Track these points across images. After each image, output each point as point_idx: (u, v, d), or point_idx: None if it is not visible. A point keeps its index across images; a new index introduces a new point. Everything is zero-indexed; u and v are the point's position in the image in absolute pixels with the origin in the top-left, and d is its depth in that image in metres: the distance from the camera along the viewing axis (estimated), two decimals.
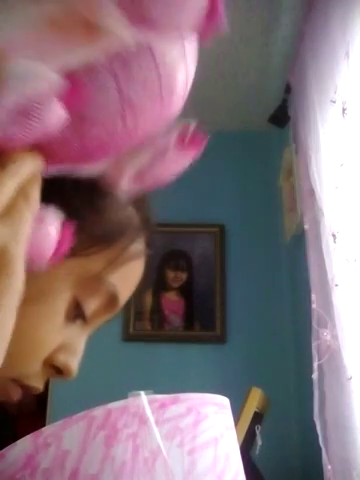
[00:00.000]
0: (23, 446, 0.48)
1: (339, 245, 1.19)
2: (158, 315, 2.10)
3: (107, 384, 1.97)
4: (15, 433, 2.22)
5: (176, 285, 2.16)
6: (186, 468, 0.48)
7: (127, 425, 0.49)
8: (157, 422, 0.50)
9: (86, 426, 0.49)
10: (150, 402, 0.52)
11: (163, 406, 0.52)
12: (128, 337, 2.06)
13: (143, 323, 2.09)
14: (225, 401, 0.60)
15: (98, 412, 0.51)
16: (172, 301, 2.13)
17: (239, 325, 2.07)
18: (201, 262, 2.18)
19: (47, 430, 0.49)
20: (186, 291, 2.14)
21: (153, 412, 0.51)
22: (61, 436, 0.48)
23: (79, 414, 0.52)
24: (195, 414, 0.52)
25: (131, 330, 2.07)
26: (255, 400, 1.23)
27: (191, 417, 0.52)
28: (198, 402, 0.54)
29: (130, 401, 0.52)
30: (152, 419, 0.49)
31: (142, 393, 0.53)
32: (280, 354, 2.01)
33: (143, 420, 0.50)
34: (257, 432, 1.22)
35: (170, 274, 2.17)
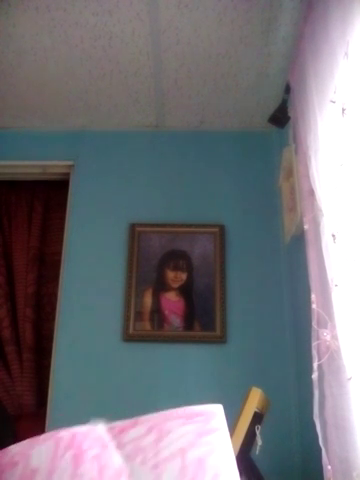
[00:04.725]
0: None
1: (339, 245, 1.19)
2: (158, 315, 2.11)
3: (107, 384, 1.97)
4: (15, 433, 2.22)
5: (176, 285, 2.16)
6: None
7: (91, 447, 0.51)
8: (118, 446, 0.52)
9: (54, 445, 0.49)
10: (109, 429, 0.54)
11: (122, 431, 0.54)
12: (128, 337, 2.06)
13: (143, 323, 2.09)
14: (199, 410, 0.61)
15: (64, 434, 0.52)
16: (172, 301, 2.13)
17: (239, 325, 2.07)
18: (201, 262, 2.18)
19: (14, 449, 0.50)
20: (186, 291, 2.14)
21: (113, 438, 0.52)
22: (29, 455, 0.48)
23: (46, 434, 0.53)
24: (156, 432, 0.54)
25: (131, 330, 2.07)
26: (255, 400, 1.23)
27: (152, 435, 0.53)
28: (159, 420, 0.56)
29: (91, 427, 0.54)
30: (112, 445, 0.51)
31: (101, 422, 0.56)
32: (280, 354, 2.01)
33: (104, 444, 0.51)
34: (257, 432, 1.22)
35: (170, 274, 2.17)
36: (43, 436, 0.52)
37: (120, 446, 0.52)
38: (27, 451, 0.49)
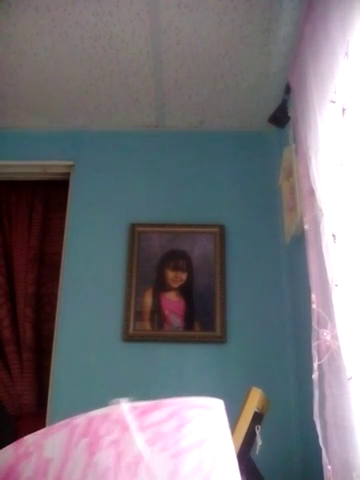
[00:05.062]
0: (4, 456, 0.48)
1: (339, 245, 1.19)
2: (158, 315, 2.11)
3: (107, 384, 1.97)
4: (15, 433, 2.22)
5: (176, 285, 2.16)
6: (170, 471, 0.48)
7: (109, 432, 0.49)
8: (138, 429, 0.50)
9: (68, 434, 0.49)
10: (131, 409, 0.53)
11: (144, 413, 0.52)
12: (128, 337, 2.06)
13: (143, 323, 2.09)
14: (214, 403, 0.60)
15: (80, 420, 0.51)
16: (172, 301, 2.13)
17: (239, 325, 2.07)
18: (201, 262, 2.18)
19: (29, 439, 0.50)
20: (186, 291, 2.14)
21: (134, 419, 0.51)
22: (43, 445, 0.48)
23: (61, 422, 0.52)
24: (178, 418, 0.53)
25: (131, 330, 2.07)
26: (255, 400, 1.23)
27: (174, 422, 0.52)
28: (181, 406, 0.54)
29: (111, 409, 0.52)
30: (133, 426, 0.50)
31: (122, 401, 0.54)
32: (280, 354, 2.01)
33: (124, 427, 0.50)
34: (257, 432, 1.22)
35: (170, 274, 2.17)
36: (58, 424, 0.51)
37: (141, 429, 0.51)
38: (41, 441, 0.49)
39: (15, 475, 0.46)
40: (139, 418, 0.52)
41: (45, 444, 0.49)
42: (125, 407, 0.52)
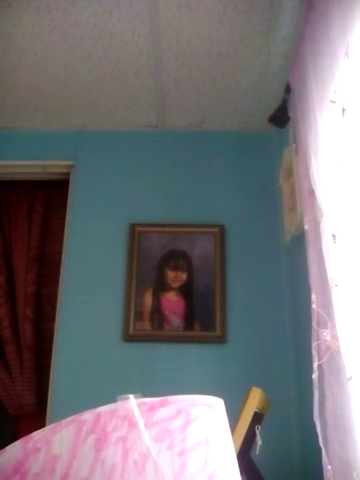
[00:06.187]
0: (12, 452, 0.48)
1: (339, 245, 1.19)
2: (158, 315, 2.11)
3: (107, 384, 1.97)
4: (15, 433, 2.22)
5: (176, 285, 2.16)
6: (176, 469, 0.48)
7: (117, 428, 0.49)
8: (146, 425, 0.50)
9: (76, 430, 0.49)
10: (139, 405, 0.53)
11: (152, 409, 0.52)
12: (128, 337, 2.06)
13: (143, 323, 2.09)
14: (217, 402, 0.60)
15: (88, 416, 0.51)
16: (172, 301, 2.13)
17: (239, 325, 2.07)
18: (201, 262, 2.18)
19: (37, 435, 0.50)
20: (186, 291, 2.14)
21: (142, 415, 0.51)
22: (51, 441, 0.48)
23: (69, 418, 0.52)
24: (185, 416, 0.53)
25: (131, 330, 2.07)
26: (255, 400, 1.23)
27: (181, 419, 0.52)
28: (188, 404, 0.54)
29: (119, 405, 0.52)
30: (141, 422, 0.50)
31: (131, 396, 0.54)
32: (280, 354, 2.01)
33: (132, 423, 0.50)
34: (257, 432, 1.22)
35: (170, 274, 2.17)
36: (66, 420, 0.51)
37: (148, 425, 0.51)
38: (49, 437, 0.49)
39: (23, 471, 0.46)
40: (147, 414, 0.52)
41: (53, 440, 0.49)
42: (133, 403, 0.52)
